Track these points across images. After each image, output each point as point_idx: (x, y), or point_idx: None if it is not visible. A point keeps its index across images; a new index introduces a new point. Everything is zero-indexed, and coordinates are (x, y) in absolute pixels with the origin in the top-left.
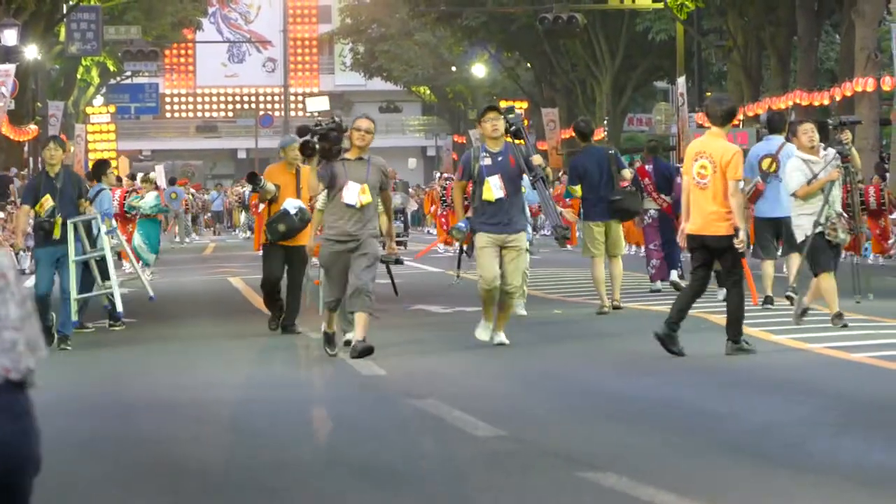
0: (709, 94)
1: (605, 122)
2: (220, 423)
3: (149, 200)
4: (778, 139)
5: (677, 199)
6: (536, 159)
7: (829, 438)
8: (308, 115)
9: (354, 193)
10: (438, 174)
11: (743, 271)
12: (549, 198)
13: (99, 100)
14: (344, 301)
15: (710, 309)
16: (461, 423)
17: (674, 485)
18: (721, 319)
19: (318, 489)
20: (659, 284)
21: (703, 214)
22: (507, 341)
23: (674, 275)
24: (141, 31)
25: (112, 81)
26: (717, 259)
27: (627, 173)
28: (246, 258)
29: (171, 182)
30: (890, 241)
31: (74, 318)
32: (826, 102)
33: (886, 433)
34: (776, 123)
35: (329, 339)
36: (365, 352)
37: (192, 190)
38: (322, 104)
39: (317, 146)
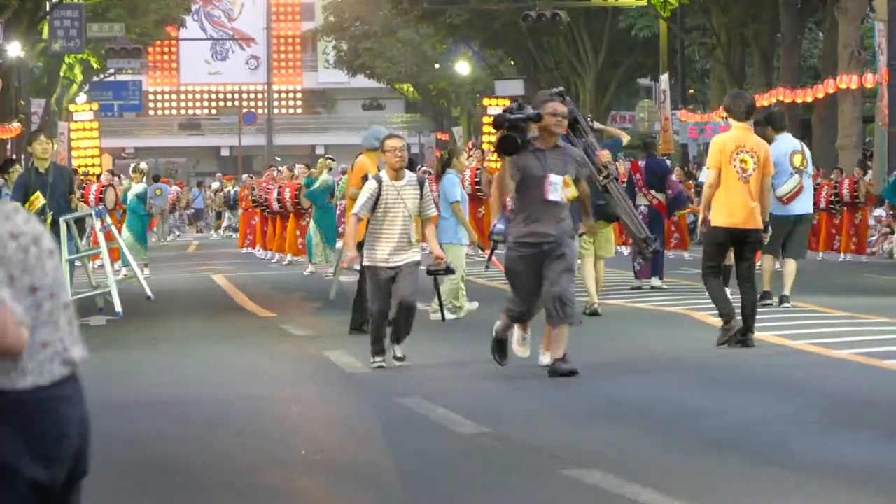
0: (691, 91)
1: (589, 118)
2: (204, 421)
3: (137, 188)
4: (785, 135)
5: (674, 197)
6: (603, 155)
7: (812, 436)
8: (302, 110)
9: (559, 188)
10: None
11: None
12: (626, 202)
13: (82, 97)
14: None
15: (693, 306)
16: (445, 420)
17: (658, 482)
18: (704, 316)
19: (302, 487)
20: (640, 282)
21: (747, 208)
22: (548, 360)
23: (655, 281)
24: (124, 28)
25: (95, 79)
26: (741, 252)
27: (605, 153)
28: (230, 256)
29: (156, 179)
30: (871, 238)
31: None
32: (809, 100)
33: (870, 431)
34: (781, 121)
35: (501, 347)
36: (568, 374)
37: (176, 186)
38: (516, 88)
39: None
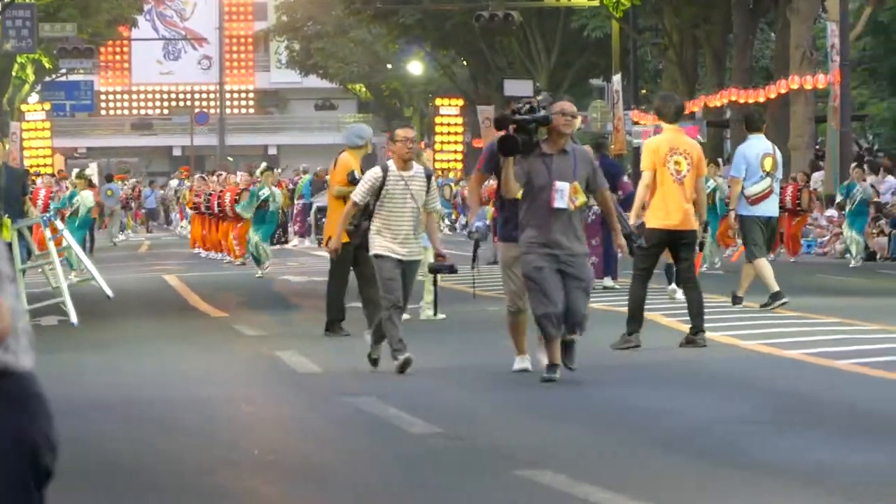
0: (643, 91)
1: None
2: (154, 422)
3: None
4: (761, 137)
5: (626, 198)
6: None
7: (764, 436)
8: (243, 110)
9: (565, 195)
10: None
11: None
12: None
13: (34, 97)
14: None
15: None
16: (397, 420)
17: (610, 482)
18: (657, 316)
19: (252, 488)
20: (605, 280)
21: (682, 210)
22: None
23: (608, 281)
24: (76, 28)
25: (47, 79)
26: (678, 253)
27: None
28: (182, 256)
29: (108, 179)
30: (823, 239)
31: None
32: (761, 100)
33: (822, 430)
34: (757, 122)
35: (553, 368)
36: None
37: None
38: (525, 89)
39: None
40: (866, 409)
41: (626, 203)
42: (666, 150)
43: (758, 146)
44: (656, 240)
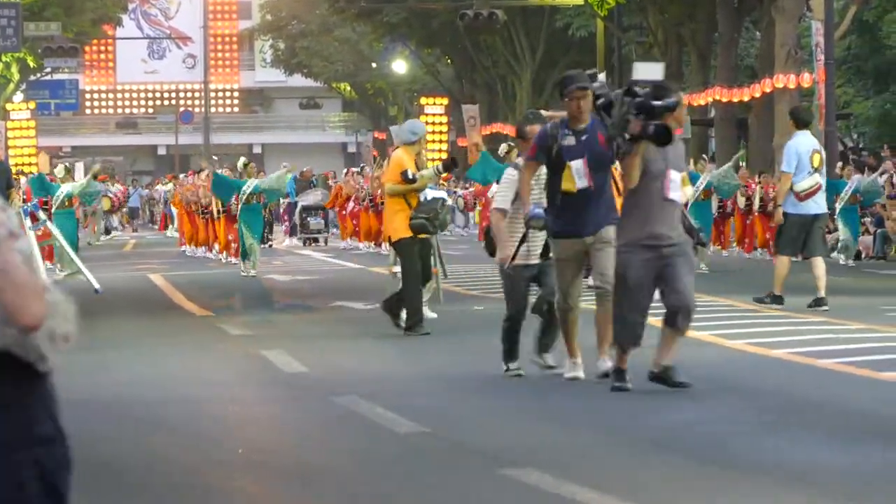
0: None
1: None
2: (140, 421)
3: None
4: (807, 133)
5: None
6: None
7: (750, 435)
8: (242, 108)
9: (678, 185)
10: (346, 170)
11: None
12: None
13: (19, 96)
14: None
15: None
16: (383, 420)
17: (596, 482)
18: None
19: (239, 487)
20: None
21: None
22: (609, 365)
23: (591, 280)
24: (61, 27)
25: (32, 77)
26: None
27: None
28: (167, 255)
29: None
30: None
31: None
32: (746, 99)
33: (807, 430)
34: (806, 118)
35: (622, 375)
36: (679, 384)
37: (119, 186)
38: (656, 72)
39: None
40: (852, 409)
41: None
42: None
43: (807, 142)
44: None
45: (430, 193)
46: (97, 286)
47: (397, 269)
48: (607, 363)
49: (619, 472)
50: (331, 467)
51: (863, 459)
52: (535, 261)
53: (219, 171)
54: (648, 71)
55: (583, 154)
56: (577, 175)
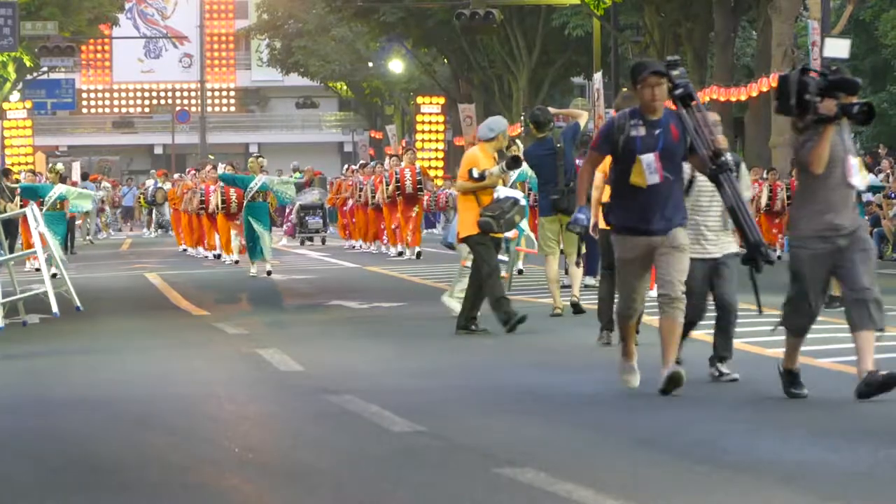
0: (625, 89)
1: (522, 117)
2: (135, 420)
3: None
4: None
5: None
6: (721, 141)
7: (743, 434)
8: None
9: (857, 170)
10: (346, 166)
11: None
12: (740, 200)
13: (15, 95)
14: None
15: None
16: (378, 418)
17: (591, 480)
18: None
19: (233, 486)
20: (587, 279)
21: None
22: (682, 370)
23: (588, 279)
24: (57, 26)
25: (28, 77)
26: None
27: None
28: (164, 254)
29: (84, 178)
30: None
31: (0, 323)
32: (742, 98)
33: (801, 429)
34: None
35: (794, 380)
36: (885, 384)
37: (108, 184)
38: (842, 49)
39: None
40: (847, 409)
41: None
42: None
43: None
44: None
45: (503, 192)
46: (78, 303)
47: (468, 262)
48: (675, 367)
49: (614, 471)
50: (325, 466)
51: (858, 458)
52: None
53: (221, 167)
54: (836, 48)
55: (655, 147)
56: (647, 169)
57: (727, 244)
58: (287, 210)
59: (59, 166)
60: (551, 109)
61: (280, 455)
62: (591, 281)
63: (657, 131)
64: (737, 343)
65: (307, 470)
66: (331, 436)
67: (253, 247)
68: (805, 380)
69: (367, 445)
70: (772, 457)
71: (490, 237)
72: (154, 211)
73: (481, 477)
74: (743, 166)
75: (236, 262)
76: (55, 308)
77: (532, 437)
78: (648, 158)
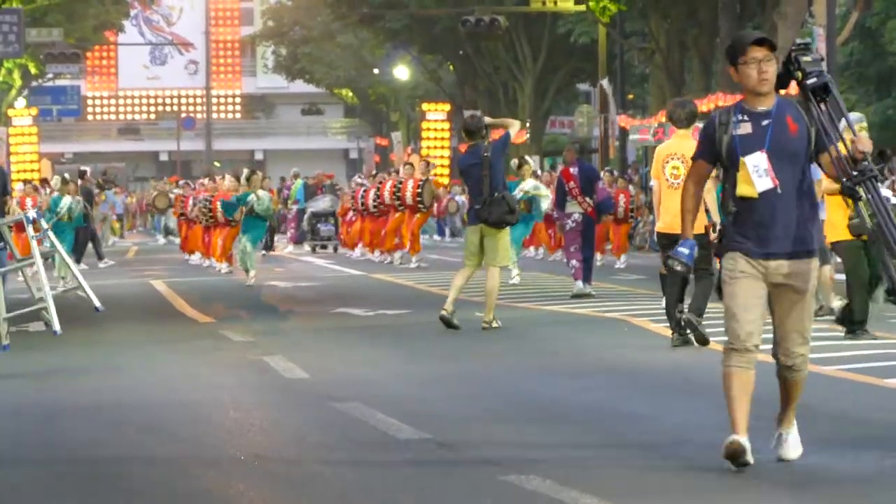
0: (630, 96)
1: (528, 124)
2: (141, 426)
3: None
4: None
5: (600, 202)
6: (864, 141)
7: (750, 441)
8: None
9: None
10: (355, 178)
11: (714, 268)
12: (887, 214)
13: (21, 102)
14: None
15: (631, 312)
16: (384, 425)
17: (596, 488)
18: (644, 322)
19: (239, 492)
20: (581, 284)
21: (675, 214)
22: (793, 455)
23: (585, 287)
24: (63, 33)
25: (34, 83)
26: None
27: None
28: (169, 262)
29: (100, 186)
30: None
31: (5, 342)
32: None
33: (807, 436)
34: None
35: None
36: None
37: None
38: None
39: None
40: (852, 416)
41: (601, 207)
42: (664, 156)
43: None
44: (662, 242)
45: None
46: (98, 304)
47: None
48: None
49: (620, 478)
50: (331, 473)
51: (862, 465)
52: None
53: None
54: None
55: (762, 145)
56: (754, 173)
57: None
58: (291, 217)
59: (67, 175)
60: (487, 119)
61: (285, 462)
62: (588, 289)
63: (765, 122)
64: None
65: (312, 477)
66: (336, 443)
67: (242, 261)
68: (809, 387)
69: (372, 453)
70: (777, 464)
71: (863, 241)
72: (158, 217)
73: (487, 484)
74: None
75: (229, 271)
76: (57, 327)
77: (538, 444)
78: (755, 159)
